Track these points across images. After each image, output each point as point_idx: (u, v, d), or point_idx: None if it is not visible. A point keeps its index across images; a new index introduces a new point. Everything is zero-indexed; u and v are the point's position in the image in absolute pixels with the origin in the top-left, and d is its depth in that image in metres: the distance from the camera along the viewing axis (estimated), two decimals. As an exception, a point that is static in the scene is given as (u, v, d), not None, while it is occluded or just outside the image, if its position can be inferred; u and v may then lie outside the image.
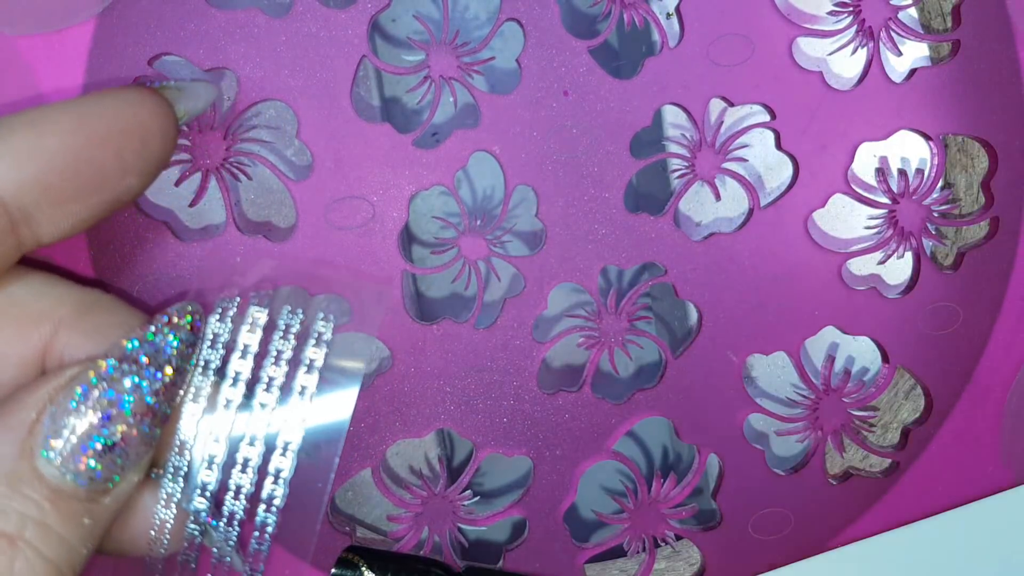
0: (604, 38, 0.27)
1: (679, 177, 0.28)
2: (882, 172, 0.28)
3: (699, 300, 0.28)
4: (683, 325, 0.31)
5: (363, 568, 0.27)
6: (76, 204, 0.22)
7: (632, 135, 0.27)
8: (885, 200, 0.28)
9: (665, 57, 0.27)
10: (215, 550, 0.24)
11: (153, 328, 0.22)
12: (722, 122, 0.28)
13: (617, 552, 0.29)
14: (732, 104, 0.28)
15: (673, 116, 0.29)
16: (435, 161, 0.27)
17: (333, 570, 0.27)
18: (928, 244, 0.28)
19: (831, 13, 0.27)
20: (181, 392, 0.23)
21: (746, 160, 0.28)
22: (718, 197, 0.28)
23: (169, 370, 0.22)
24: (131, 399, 0.21)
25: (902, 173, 0.28)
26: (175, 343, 0.22)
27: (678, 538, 0.29)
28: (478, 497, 0.28)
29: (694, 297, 0.28)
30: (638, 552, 0.29)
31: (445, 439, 0.32)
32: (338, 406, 0.25)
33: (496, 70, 0.28)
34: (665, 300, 0.31)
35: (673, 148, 0.28)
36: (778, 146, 0.28)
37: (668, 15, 0.28)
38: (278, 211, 0.29)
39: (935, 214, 0.28)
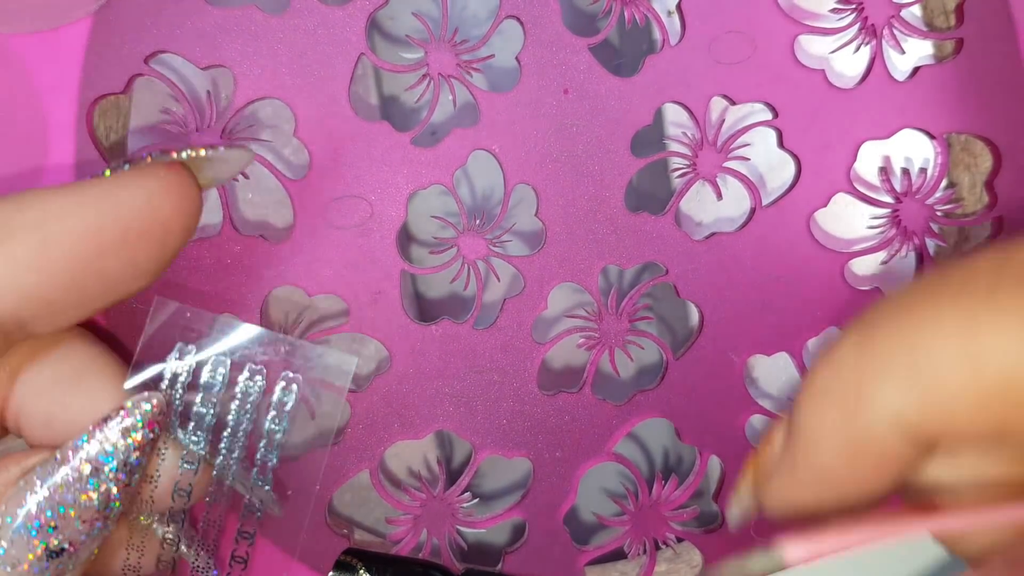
0: (605, 36, 0.27)
1: (680, 176, 0.28)
2: (885, 171, 0.28)
3: (700, 300, 0.28)
4: (684, 325, 0.31)
5: (361, 571, 0.27)
6: (77, 311, 0.21)
7: (633, 134, 0.27)
8: (888, 199, 0.28)
9: (666, 55, 0.27)
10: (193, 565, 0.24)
11: (106, 432, 0.21)
12: (724, 121, 0.28)
13: (617, 555, 0.29)
14: (734, 102, 0.27)
15: (674, 114, 0.28)
16: (434, 160, 0.27)
17: (331, 573, 0.27)
18: (931, 244, 0.28)
19: (833, 11, 0.27)
20: (138, 476, 0.22)
21: (748, 159, 0.28)
22: (719, 196, 0.28)
23: (123, 476, 0.21)
24: (80, 509, 0.21)
25: (905, 172, 0.28)
26: (130, 444, 0.21)
27: (679, 540, 0.28)
28: (477, 499, 0.28)
29: (695, 297, 0.28)
30: (639, 555, 0.28)
31: (444, 441, 0.32)
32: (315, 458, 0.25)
33: (495, 68, 0.28)
34: (666, 300, 0.30)
35: (674, 147, 0.28)
36: (780, 145, 0.28)
37: (669, 13, 0.28)
38: (276, 210, 0.29)
39: (938, 213, 0.28)
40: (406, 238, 0.31)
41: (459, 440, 0.30)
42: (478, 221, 0.27)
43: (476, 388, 0.27)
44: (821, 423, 0.19)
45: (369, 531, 0.30)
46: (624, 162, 0.27)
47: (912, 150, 0.29)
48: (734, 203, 0.29)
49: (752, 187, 0.28)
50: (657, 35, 0.27)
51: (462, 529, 0.28)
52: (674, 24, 0.27)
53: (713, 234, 0.28)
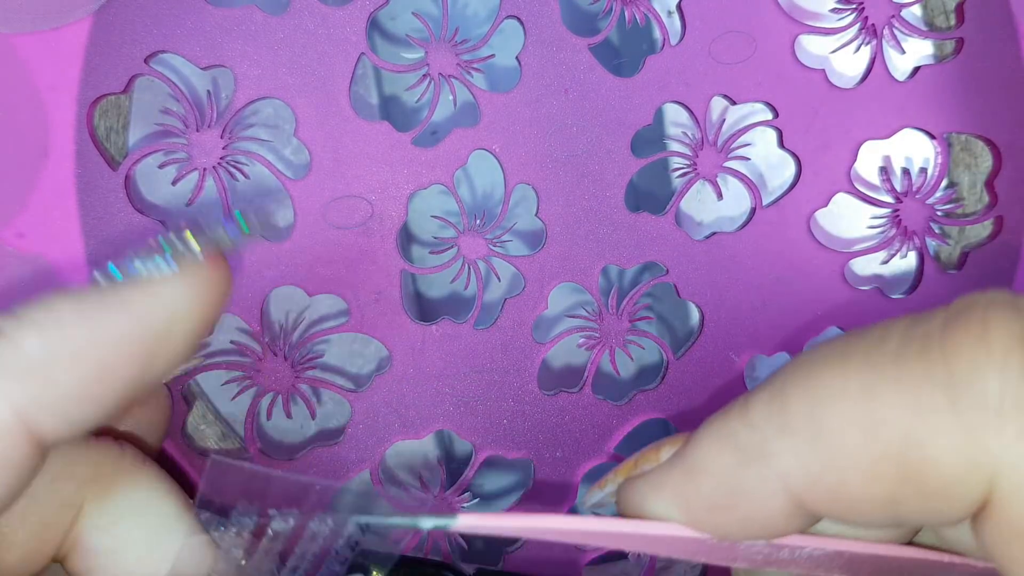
0: (605, 35, 0.27)
1: (680, 176, 0.28)
2: (885, 171, 0.28)
3: (701, 300, 0.28)
4: (684, 325, 0.31)
5: (373, 571, 0.27)
6: (89, 414, 0.19)
7: (633, 133, 0.27)
8: (888, 199, 0.28)
9: (666, 55, 0.27)
10: None
11: None
12: (724, 120, 0.28)
13: (618, 555, 0.29)
14: (734, 102, 0.27)
15: (674, 114, 0.28)
16: (434, 160, 0.27)
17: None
18: (932, 243, 0.28)
19: (834, 11, 0.27)
20: None
21: (748, 159, 0.28)
22: (720, 196, 0.28)
23: None
24: None
25: (905, 172, 0.28)
26: None
27: (679, 540, 0.28)
28: (477, 499, 0.28)
29: (696, 297, 0.28)
30: (639, 555, 0.28)
31: (444, 440, 0.32)
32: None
33: (496, 68, 0.28)
34: (666, 300, 0.30)
35: (674, 147, 0.28)
36: (780, 145, 0.28)
37: (669, 13, 0.28)
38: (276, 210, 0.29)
39: (939, 213, 0.28)
40: (406, 238, 0.31)
41: (459, 440, 0.30)
42: (478, 221, 0.27)
43: (476, 388, 0.27)
44: (714, 460, 0.18)
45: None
46: (624, 162, 0.27)
47: (912, 150, 0.29)
48: (734, 203, 0.29)
49: (752, 187, 0.28)
50: (657, 35, 0.27)
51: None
52: (674, 24, 0.27)
53: (713, 234, 0.28)
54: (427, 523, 0.19)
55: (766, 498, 0.18)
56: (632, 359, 0.29)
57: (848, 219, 0.29)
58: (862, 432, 0.17)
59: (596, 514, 0.23)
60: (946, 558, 0.19)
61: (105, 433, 0.22)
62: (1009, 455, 0.16)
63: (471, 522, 0.19)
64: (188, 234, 0.20)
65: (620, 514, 0.21)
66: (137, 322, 0.19)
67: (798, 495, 0.18)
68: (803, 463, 0.17)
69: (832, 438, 0.17)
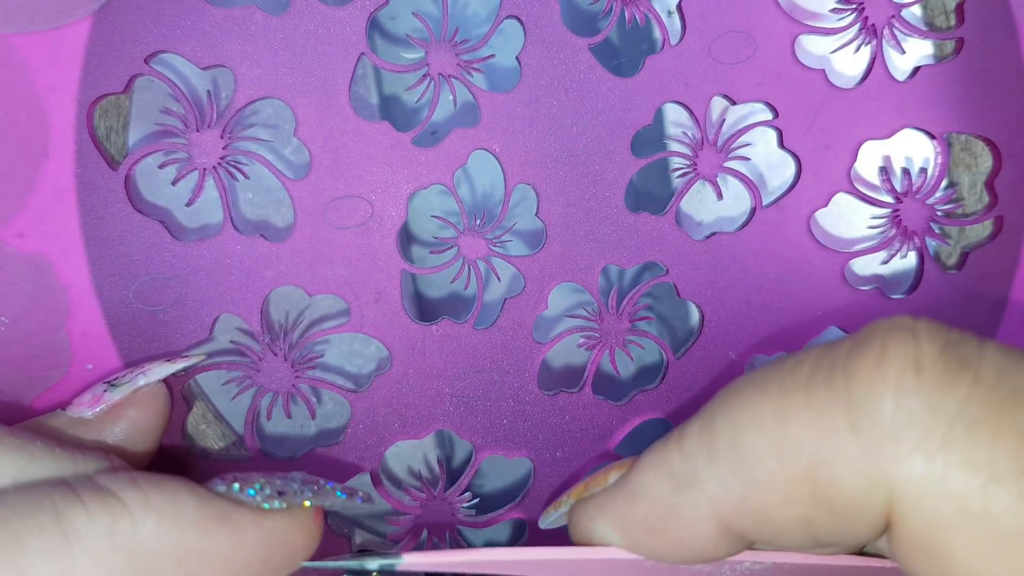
0: (605, 35, 0.27)
1: (680, 176, 0.28)
2: (885, 171, 0.28)
3: (701, 300, 0.28)
4: (684, 325, 0.31)
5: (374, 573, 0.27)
6: None
7: (633, 133, 0.27)
8: (888, 199, 0.28)
9: (666, 55, 0.27)
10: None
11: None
12: (724, 120, 0.28)
13: (618, 554, 0.29)
14: (734, 102, 0.27)
15: (674, 114, 0.28)
16: (434, 160, 0.27)
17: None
18: (932, 244, 0.28)
19: (834, 11, 0.27)
20: None
21: (748, 159, 0.28)
22: (720, 196, 0.28)
23: None
24: None
25: (905, 172, 0.28)
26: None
27: (679, 540, 0.28)
28: (478, 499, 0.28)
29: (696, 297, 0.28)
30: (639, 554, 0.28)
31: (444, 440, 0.32)
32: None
33: (496, 68, 0.28)
34: (666, 300, 0.30)
35: (675, 147, 0.28)
36: (780, 145, 0.28)
37: (669, 13, 0.28)
38: (276, 210, 0.29)
39: (939, 213, 0.28)
40: (407, 238, 0.31)
41: (459, 440, 0.30)
42: (478, 221, 0.27)
43: (476, 388, 0.27)
44: (652, 486, 0.20)
45: (369, 531, 0.30)
46: (624, 162, 0.27)
47: (912, 150, 0.29)
48: (734, 203, 0.29)
49: (752, 187, 0.28)
50: (657, 35, 0.27)
51: (462, 529, 0.28)
52: (674, 24, 0.27)
53: (713, 234, 0.28)
54: (372, 564, 0.20)
55: (697, 523, 0.19)
56: (632, 359, 0.29)
57: (848, 219, 0.29)
58: (776, 457, 0.18)
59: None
60: (888, 564, 0.20)
61: (93, 448, 0.22)
62: (903, 471, 0.17)
63: (417, 560, 0.20)
64: (304, 483, 0.22)
65: (570, 534, 0.22)
66: (241, 551, 0.20)
67: (725, 520, 0.19)
68: (727, 488, 0.18)
69: (751, 464, 0.18)
